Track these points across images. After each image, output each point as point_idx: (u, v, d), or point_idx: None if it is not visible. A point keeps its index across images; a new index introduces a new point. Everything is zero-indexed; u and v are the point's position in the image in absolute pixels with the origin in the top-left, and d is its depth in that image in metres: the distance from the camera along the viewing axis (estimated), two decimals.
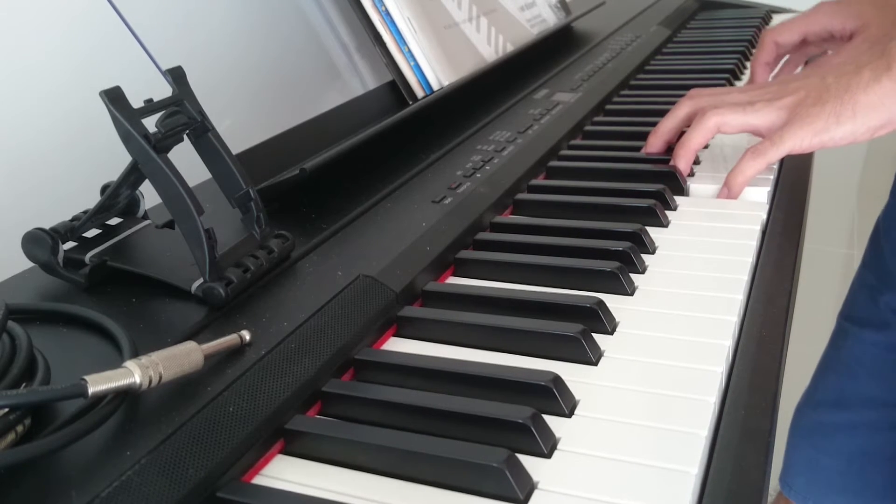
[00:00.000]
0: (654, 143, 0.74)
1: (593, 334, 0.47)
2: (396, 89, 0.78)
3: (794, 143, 0.63)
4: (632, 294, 0.54)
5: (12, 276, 0.53)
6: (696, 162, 0.75)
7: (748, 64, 0.96)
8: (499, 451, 0.37)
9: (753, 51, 0.95)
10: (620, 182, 0.69)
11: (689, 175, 0.72)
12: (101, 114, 0.46)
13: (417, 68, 0.80)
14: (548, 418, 0.41)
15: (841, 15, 0.84)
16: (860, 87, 0.62)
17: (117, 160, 0.50)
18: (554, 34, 1.07)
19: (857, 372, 0.89)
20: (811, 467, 0.93)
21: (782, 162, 0.76)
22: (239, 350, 0.44)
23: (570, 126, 0.81)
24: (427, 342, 0.50)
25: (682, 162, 0.70)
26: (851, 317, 0.91)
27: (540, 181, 0.72)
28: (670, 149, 0.73)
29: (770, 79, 0.89)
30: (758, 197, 0.67)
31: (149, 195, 0.53)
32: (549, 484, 0.37)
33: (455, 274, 0.58)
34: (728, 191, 0.67)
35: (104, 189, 0.53)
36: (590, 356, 0.46)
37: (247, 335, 0.44)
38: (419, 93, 0.80)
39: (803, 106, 0.64)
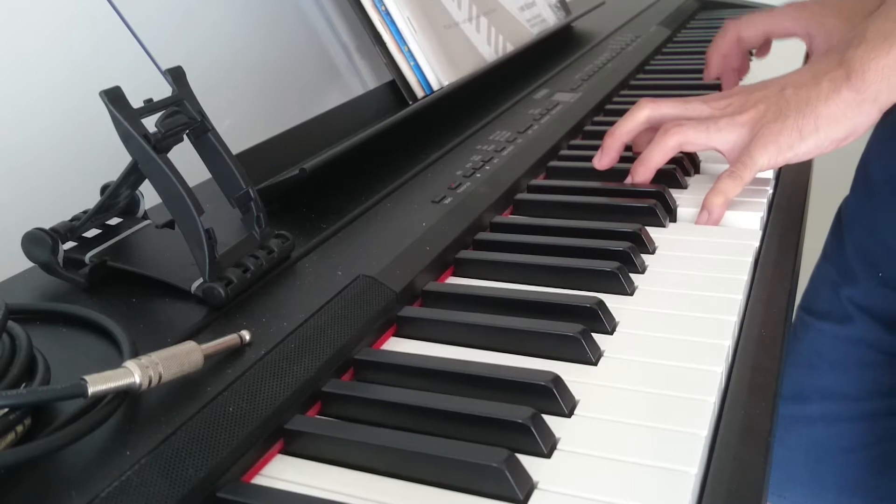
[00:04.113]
0: (611, 146, 0.69)
1: (593, 334, 0.47)
2: (396, 89, 0.78)
3: (764, 161, 0.61)
4: (632, 294, 0.54)
5: (12, 276, 0.53)
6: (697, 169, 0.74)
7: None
8: (498, 451, 0.37)
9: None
10: (620, 182, 0.69)
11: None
12: (101, 113, 0.46)
13: (417, 68, 0.80)
14: (548, 418, 0.41)
15: (803, 22, 0.82)
16: (820, 99, 0.60)
17: (117, 160, 0.50)
18: (554, 34, 1.07)
19: (816, 365, 0.87)
20: None
21: None
22: (239, 350, 0.44)
23: (570, 126, 0.81)
24: (427, 342, 0.50)
25: (639, 178, 0.67)
26: (812, 309, 0.89)
27: (540, 181, 0.72)
28: (628, 148, 0.71)
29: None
30: (758, 197, 0.67)
31: (149, 195, 0.53)
32: (548, 484, 0.37)
33: (455, 274, 0.58)
34: (709, 214, 0.63)
35: (104, 189, 0.53)
36: (590, 356, 0.46)
37: (247, 335, 0.44)
38: (419, 93, 0.80)
39: (764, 122, 0.62)
